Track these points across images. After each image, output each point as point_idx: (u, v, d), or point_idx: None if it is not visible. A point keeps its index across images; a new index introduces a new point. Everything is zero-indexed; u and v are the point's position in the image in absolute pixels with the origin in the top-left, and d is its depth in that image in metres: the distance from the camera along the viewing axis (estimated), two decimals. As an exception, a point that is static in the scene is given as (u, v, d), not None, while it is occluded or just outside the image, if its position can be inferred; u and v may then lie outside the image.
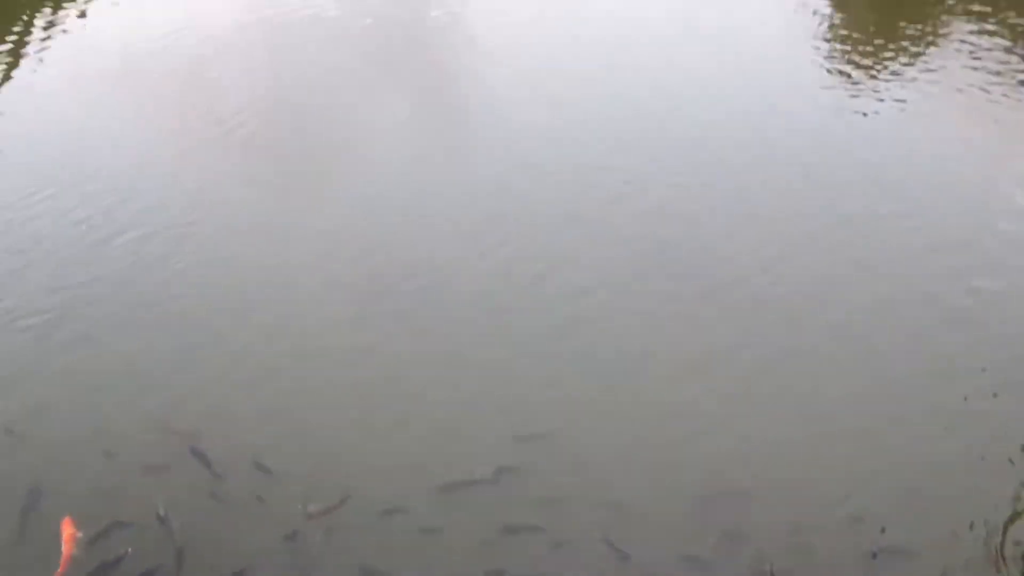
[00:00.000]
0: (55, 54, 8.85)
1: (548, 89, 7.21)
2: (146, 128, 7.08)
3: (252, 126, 6.92)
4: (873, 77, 7.10)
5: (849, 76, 7.16)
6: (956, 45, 7.36)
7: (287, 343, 4.67)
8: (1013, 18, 7.46)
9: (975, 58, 7.12)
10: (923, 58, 7.31)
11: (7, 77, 8.30)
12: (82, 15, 9.83)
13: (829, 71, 7.27)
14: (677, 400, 4.22)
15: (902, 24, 7.85)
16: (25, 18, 9.62)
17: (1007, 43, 7.20)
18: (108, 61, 8.38)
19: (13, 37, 9.22)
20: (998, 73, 6.84)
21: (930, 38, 7.64)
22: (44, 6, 10.09)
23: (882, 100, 6.74)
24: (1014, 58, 7.01)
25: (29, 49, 8.92)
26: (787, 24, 8.02)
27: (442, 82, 7.64)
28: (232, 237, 5.58)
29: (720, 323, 4.51)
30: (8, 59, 8.72)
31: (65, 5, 10.12)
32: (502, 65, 7.61)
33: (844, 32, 8.01)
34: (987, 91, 6.61)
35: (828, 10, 8.44)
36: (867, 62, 7.36)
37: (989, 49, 7.13)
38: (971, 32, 7.46)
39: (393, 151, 6.45)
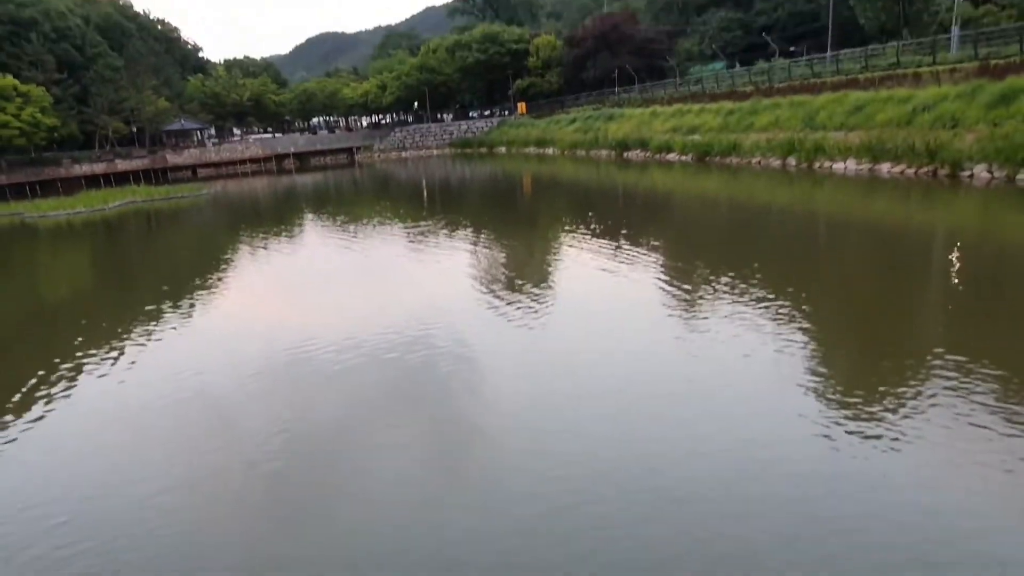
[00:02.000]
0: (87, 392, 9.73)
1: (549, 434, 7.29)
2: (159, 461, 7.43)
3: (266, 463, 7.17)
4: (871, 415, 7.00)
5: (851, 418, 6.99)
6: (949, 387, 7.41)
7: None
8: (991, 368, 7.74)
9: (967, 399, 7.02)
10: (916, 400, 7.24)
11: (38, 416, 8.98)
12: (116, 359, 11.10)
13: (835, 418, 7.04)
14: None
15: (887, 369, 8.10)
16: (59, 362, 10.97)
17: (995, 388, 7.22)
18: (134, 401, 9.18)
19: (49, 377, 10.34)
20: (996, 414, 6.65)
21: (920, 382, 7.69)
22: (82, 351, 11.56)
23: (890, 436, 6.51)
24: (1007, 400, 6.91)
25: (62, 390, 9.84)
26: (783, 384, 8.00)
27: (448, 425, 7.91)
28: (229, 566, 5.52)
29: None
30: (43, 397, 9.58)
31: (100, 350, 11.58)
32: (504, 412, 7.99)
33: (834, 382, 8.07)
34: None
35: (813, 360, 8.75)
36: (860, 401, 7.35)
37: (981, 392, 7.18)
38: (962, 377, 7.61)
39: (393, 490, 6.51)
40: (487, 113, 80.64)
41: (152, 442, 7.90)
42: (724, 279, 12.78)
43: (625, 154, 44.99)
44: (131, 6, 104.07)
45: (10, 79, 64.12)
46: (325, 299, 14.67)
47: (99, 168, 61.75)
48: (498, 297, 13.12)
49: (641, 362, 9.17)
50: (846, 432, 6.70)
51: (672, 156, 39.59)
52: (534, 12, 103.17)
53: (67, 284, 20.34)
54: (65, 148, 70.97)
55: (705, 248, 17.02)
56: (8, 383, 10.37)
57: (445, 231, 22.19)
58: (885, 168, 25.40)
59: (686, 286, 12.85)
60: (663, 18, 72.91)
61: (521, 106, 73.65)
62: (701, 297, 11.92)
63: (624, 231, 19.31)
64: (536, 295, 13.07)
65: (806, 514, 5.52)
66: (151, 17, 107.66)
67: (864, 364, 8.38)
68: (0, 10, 72.59)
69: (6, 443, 8.14)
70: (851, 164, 27.09)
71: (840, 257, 14.86)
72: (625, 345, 9.81)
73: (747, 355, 8.90)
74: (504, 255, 18.10)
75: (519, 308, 12.14)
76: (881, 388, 7.64)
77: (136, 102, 73.76)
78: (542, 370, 9.16)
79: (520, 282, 14.37)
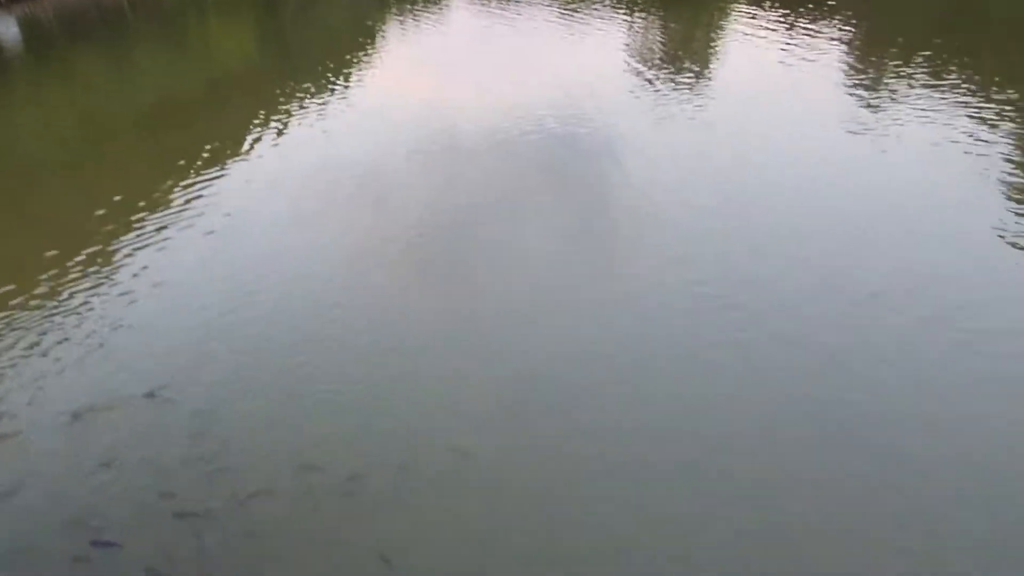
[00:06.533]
0: (265, 166, 9.97)
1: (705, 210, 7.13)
2: (317, 232, 7.75)
3: (412, 241, 7.32)
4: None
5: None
6: None
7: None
8: None
9: None
10: None
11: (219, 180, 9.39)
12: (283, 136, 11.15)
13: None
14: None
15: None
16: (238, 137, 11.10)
17: None
18: (303, 175, 9.39)
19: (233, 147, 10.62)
20: None
21: None
22: (259, 127, 11.53)
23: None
24: None
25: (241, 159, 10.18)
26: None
27: (601, 210, 7.70)
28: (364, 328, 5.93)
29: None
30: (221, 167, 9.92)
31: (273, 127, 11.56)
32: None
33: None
34: None
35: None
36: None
37: None
38: None
39: (541, 270, 6.60)
40: None
41: (310, 207, 8.48)
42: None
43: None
44: None
45: None
46: (473, 75, 14.38)
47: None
48: (653, 79, 12.20)
49: (811, 159, 8.39)
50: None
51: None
52: None
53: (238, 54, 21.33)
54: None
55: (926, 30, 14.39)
56: (183, 145, 11.41)
57: (602, 3, 20.32)
58: None
59: (883, 74, 11.17)
60: None
61: None
62: (896, 90, 10.36)
63: (815, 14, 16.63)
64: (696, 78, 12.00)
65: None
66: None
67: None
68: None
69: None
70: None
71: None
72: (795, 142, 8.96)
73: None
74: (665, 34, 16.46)
75: (675, 91, 11.27)
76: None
77: None
78: (694, 160, 8.69)
79: (681, 64, 13.17)
